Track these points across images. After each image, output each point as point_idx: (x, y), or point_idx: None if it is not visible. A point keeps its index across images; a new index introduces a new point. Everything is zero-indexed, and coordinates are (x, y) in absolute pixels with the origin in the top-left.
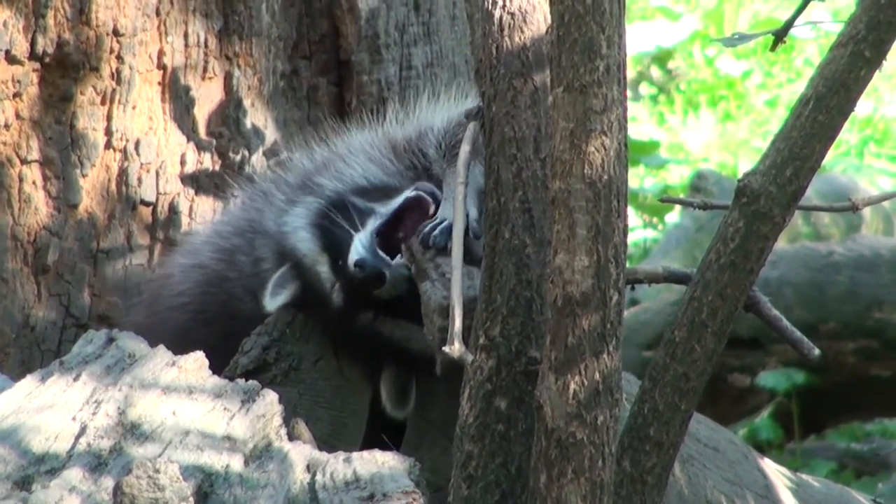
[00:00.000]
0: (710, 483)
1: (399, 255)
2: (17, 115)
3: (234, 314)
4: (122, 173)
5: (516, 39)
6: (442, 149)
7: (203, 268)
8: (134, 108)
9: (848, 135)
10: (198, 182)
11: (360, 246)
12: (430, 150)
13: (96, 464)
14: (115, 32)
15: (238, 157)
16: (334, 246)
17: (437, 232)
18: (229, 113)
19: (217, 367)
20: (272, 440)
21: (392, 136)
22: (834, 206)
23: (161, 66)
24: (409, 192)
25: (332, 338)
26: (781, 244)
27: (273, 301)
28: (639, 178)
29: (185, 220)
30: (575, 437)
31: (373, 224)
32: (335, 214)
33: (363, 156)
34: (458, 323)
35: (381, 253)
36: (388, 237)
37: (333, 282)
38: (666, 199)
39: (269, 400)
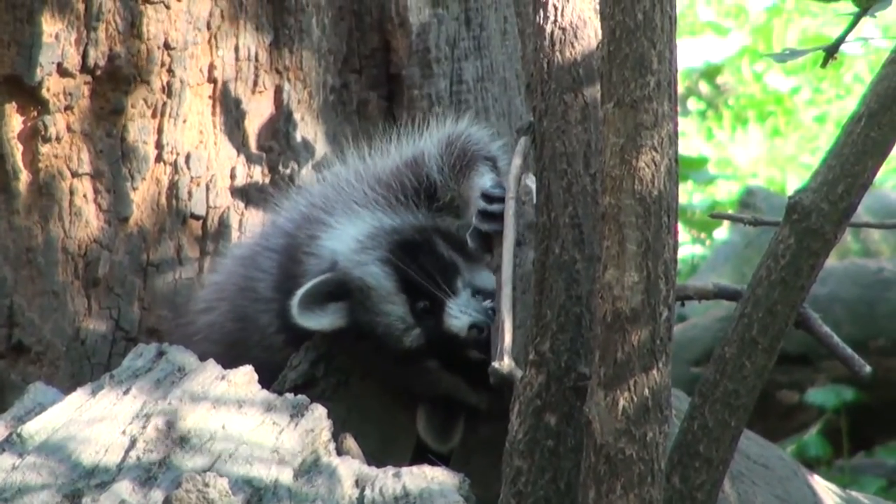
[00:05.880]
0: (760, 500)
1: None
2: (69, 128)
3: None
4: (173, 186)
5: (567, 54)
6: (445, 171)
7: (221, 326)
8: (185, 121)
9: None
10: (248, 196)
11: (468, 310)
12: (434, 175)
13: (146, 477)
14: (166, 45)
15: (288, 171)
16: (414, 290)
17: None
18: (279, 126)
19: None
20: (321, 455)
21: (374, 171)
22: (885, 223)
23: (212, 80)
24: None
25: (371, 369)
26: (831, 261)
27: (310, 318)
28: (687, 194)
29: (234, 233)
30: (624, 453)
31: (462, 285)
32: (406, 258)
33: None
34: (507, 339)
35: (489, 311)
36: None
37: (411, 325)
38: (716, 215)
39: (318, 414)
